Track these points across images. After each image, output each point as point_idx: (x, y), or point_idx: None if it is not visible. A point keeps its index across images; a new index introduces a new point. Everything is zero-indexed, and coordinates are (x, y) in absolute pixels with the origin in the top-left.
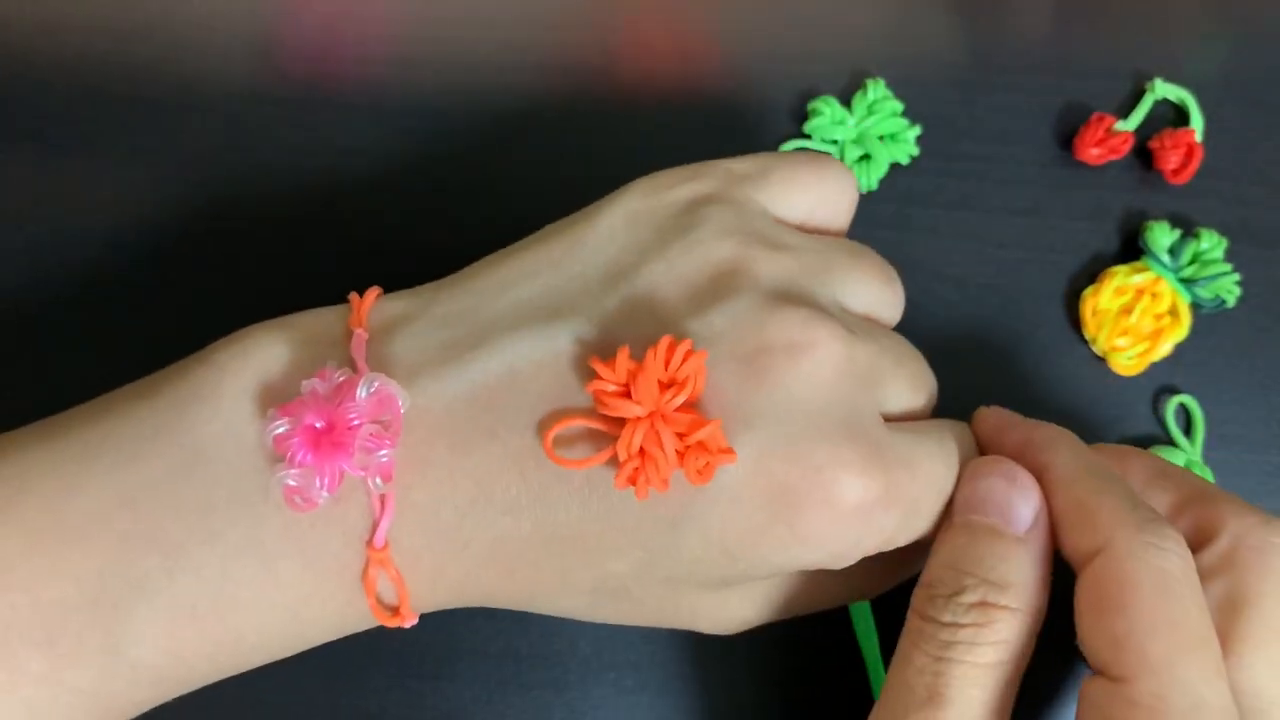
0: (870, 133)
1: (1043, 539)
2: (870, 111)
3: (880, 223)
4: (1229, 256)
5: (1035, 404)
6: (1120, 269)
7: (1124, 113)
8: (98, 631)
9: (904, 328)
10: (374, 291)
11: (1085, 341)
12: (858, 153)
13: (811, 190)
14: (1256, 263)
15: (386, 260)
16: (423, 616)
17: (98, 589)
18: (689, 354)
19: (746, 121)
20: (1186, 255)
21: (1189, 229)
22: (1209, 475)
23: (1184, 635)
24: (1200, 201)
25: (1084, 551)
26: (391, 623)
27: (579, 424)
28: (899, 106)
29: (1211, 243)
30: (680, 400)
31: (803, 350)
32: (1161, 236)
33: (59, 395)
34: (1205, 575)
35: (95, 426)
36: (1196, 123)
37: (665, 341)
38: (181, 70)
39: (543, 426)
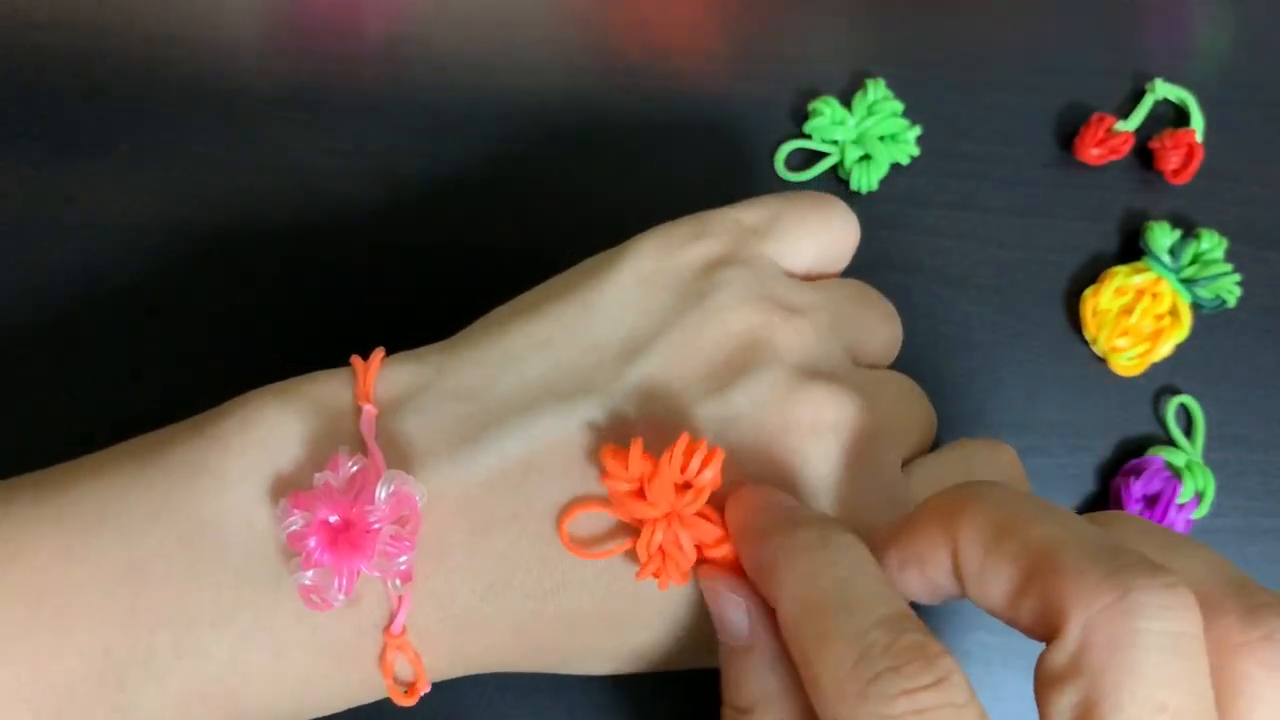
0: (870, 133)
1: (767, 638)
2: (870, 112)
3: (881, 223)
4: (1229, 257)
5: (1035, 404)
6: (1121, 269)
7: (1124, 113)
8: (104, 706)
9: (904, 329)
10: (378, 356)
11: (1086, 342)
12: (858, 153)
13: (818, 236)
14: (1257, 263)
15: (398, 266)
16: None
17: (104, 666)
18: (708, 457)
19: (747, 122)
20: (1187, 255)
21: (1189, 229)
22: (1209, 476)
23: None
24: (1201, 202)
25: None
26: (405, 701)
27: (597, 510)
28: (899, 107)
29: (1212, 243)
30: (696, 506)
31: (824, 430)
32: (1162, 237)
33: (78, 398)
34: (1055, 678)
35: (96, 491)
36: (1197, 123)
37: (683, 442)
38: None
39: (560, 515)
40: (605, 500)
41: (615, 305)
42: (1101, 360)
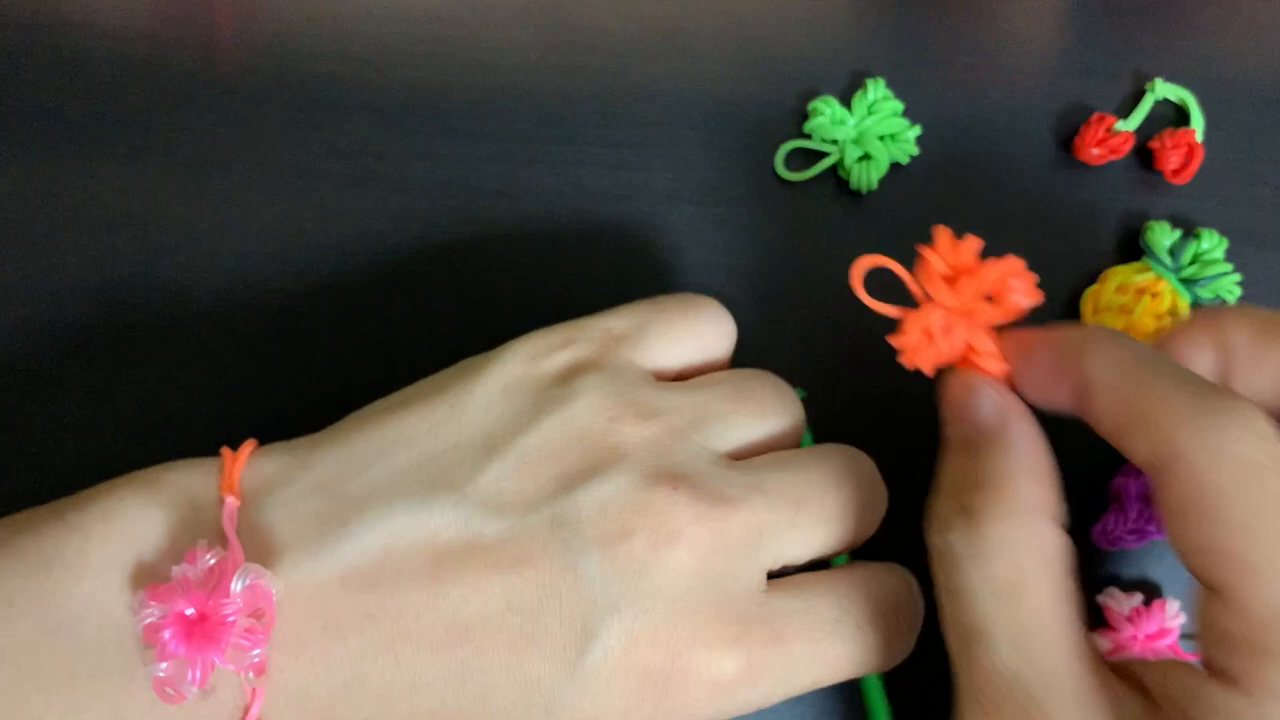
0: (870, 133)
1: (1016, 427)
2: (870, 111)
3: (880, 223)
4: (1229, 257)
5: None
6: (1121, 269)
7: (1124, 113)
8: None
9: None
10: (247, 448)
11: None
12: (858, 152)
13: (686, 340)
14: (1257, 263)
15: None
16: None
17: None
18: (1031, 290)
19: (747, 122)
20: (1187, 255)
21: (1189, 229)
22: None
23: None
24: (1201, 202)
25: (1154, 461)
26: None
27: (899, 271)
28: (899, 106)
29: (1212, 243)
30: (993, 317)
31: (668, 540)
32: (1162, 237)
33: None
34: None
35: None
36: (1197, 123)
37: (1015, 262)
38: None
39: (857, 267)
40: (910, 272)
41: (479, 408)
42: None
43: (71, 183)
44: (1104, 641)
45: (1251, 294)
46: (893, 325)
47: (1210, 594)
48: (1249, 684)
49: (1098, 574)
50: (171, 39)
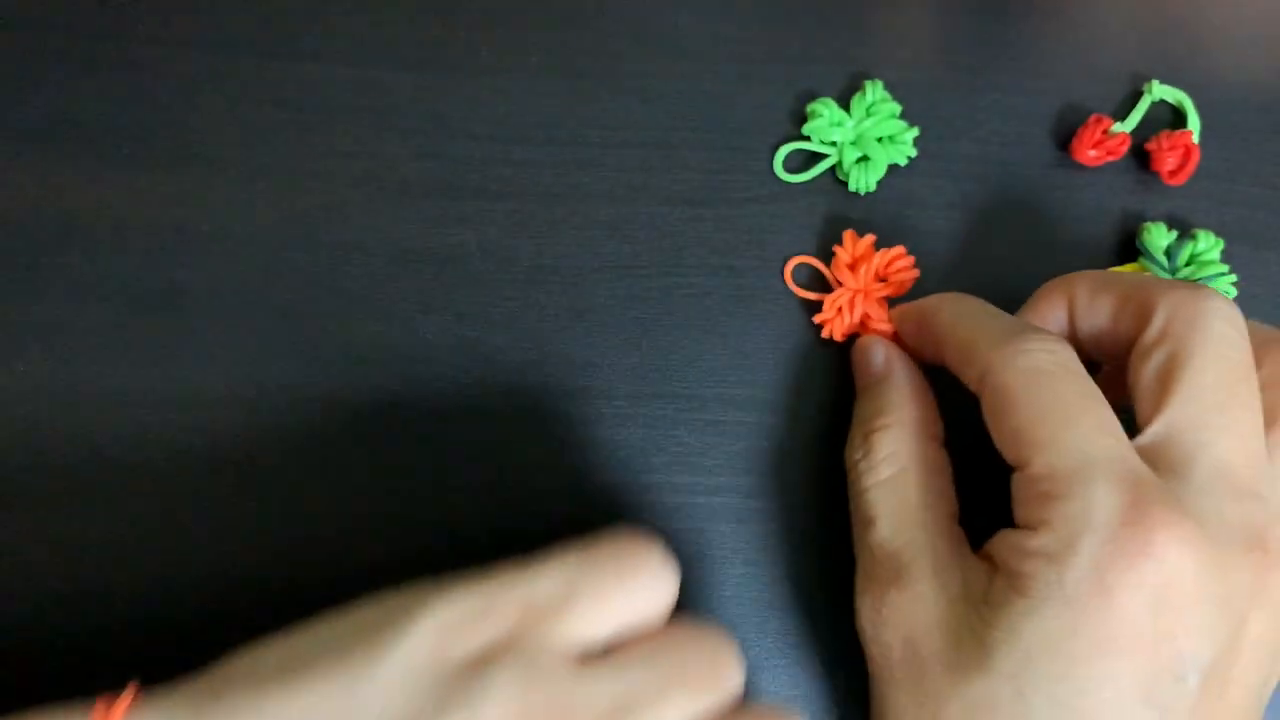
0: (869, 134)
1: (898, 368)
2: (869, 113)
3: (878, 224)
4: (1225, 258)
5: None
6: (1118, 270)
7: (1121, 114)
8: None
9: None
10: (126, 699)
11: None
12: (856, 154)
13: (619, 603)
14: (1253, 264)
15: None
16: None
17: None
18: (907, 267)
19: (746, 123)
20: (1183, 256)
21: (1186, 230)
22: None
23: (1060, 413)
24: (1197, 203)
25: (977, 381)
26: None
27: (816, 264)
28: (897, 108)
29: (1208, 244)
30: (883, 292)
31: None
32: (1158, 237)
33: None
34: (1147, 350)
35: None
36: (1193, 124)
37: (898, 250)
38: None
39: (788, 260)
40: (826, 265)
41: (379, 694)
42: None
43: (74, 185)
44: None
45: (1247, 294)
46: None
47: (1016, 472)
48: (1046, 523)
49: None
50: (173, 40)
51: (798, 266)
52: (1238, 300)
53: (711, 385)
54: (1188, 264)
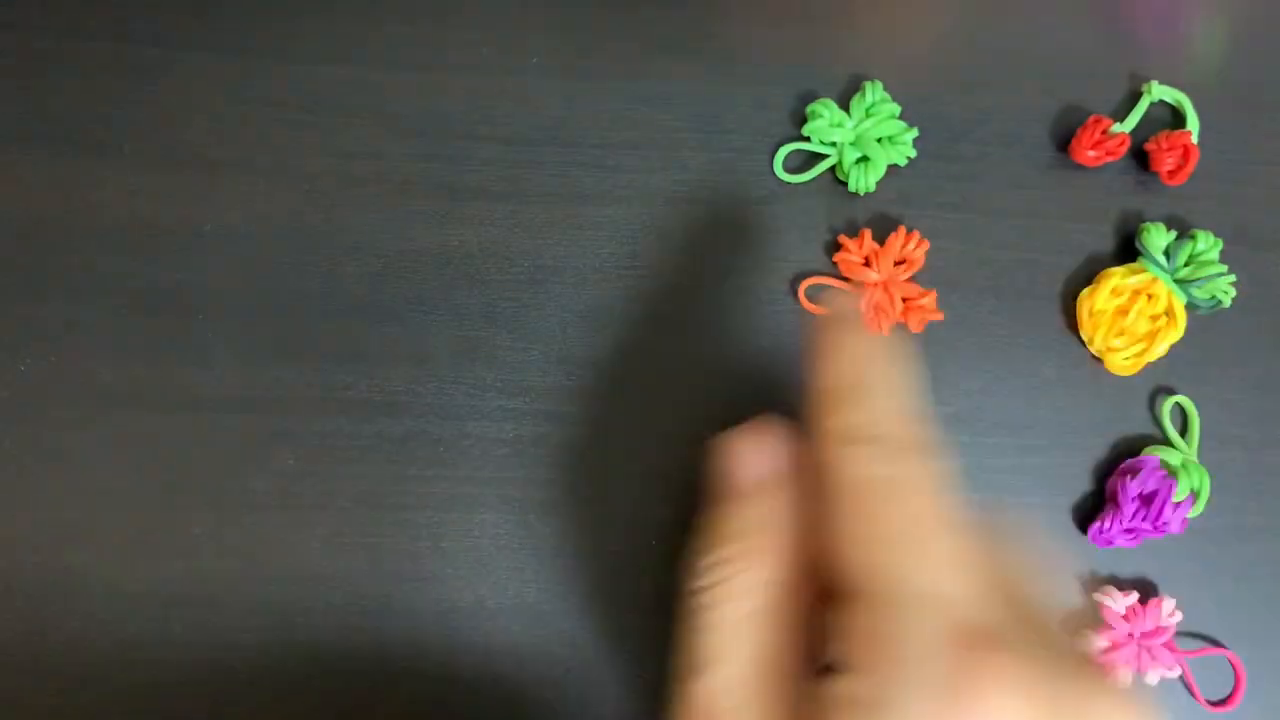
0: (868, 135)
1: (775, 490)
2: (868, 114)
3: (878, 224)
4: (1224, 258)
5: (1032, 404)
6: (1117, 270)
7: (1120, 115)
8: None
9: (902, 331)
10: None
11: (1082, 342)
12: (856, 155)
13: None
14: (1252, 264)
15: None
16: (425, 618)
17: None
18: (919, 242)
19: (746, 124)
20: (1182, 256)
21: (1185, 230)
22: (1205, 475)
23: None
24: (1196, 203)
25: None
26: None
27: (827, 281)
28: (897, 109)
29: (1207, 244)
30: (908, 275)
31: None
32: (1157, 238)
33: None
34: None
35: None
36: (1192, 124)
37: (900, 232)
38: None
39: (800, 282)
40: (835, 274)
41: None
42: (1098, 360)
43: (75, 185)
44: (1100, 639)
45: (1246, 295)
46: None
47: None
48: (867, 667)
49: (1094, 573)
50: (173, 40)
51: (797, 277)
52: (1237, 302)
53: (711, 385)
54: (1186, 264)
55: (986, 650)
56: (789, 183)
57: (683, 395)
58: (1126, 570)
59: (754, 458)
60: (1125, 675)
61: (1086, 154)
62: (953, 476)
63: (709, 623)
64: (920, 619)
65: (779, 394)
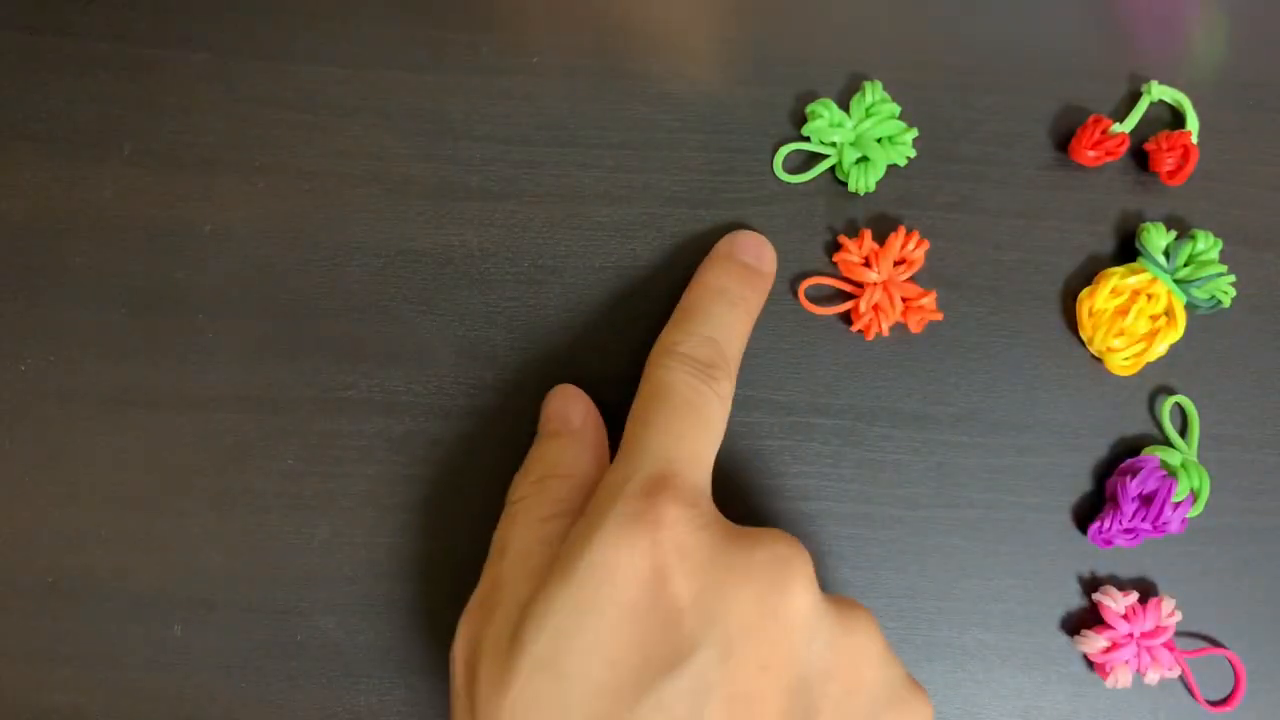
0: (868, 135)
1: (592, 427)
2: (868, 114)
3: (878, 225)
4: (1224, 258)
5: (1032, 404)
6: (1116, 270)
7: (1120, 115)
8: None
9: (902, 333)
10: None
11: (1082, 342)
12: (856, 155)
13: None
14: (1251, 264)
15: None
16: (425, 617)
17: None
18: (918, 242)
19: (745, 124)
20: (1182, 256)
21: (1184, 230)
22: (1204, 475)
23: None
24: (1196, 203)
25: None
26: None
27: (827, 281)
28: (896, 109)
29: (1207, 244)
30: (908, 275)
31: None
32: (1157, 238)
33: None
34: None
35: None
36: (1192, 125)
37: (900, 232)
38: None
39: (800, 283)
40: (835, 275)
41: None
42: (1097, 360)
43: (75, 185)
44: (1100, 639)
45: (1246, 295)
46: (832, 326)
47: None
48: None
49: (1094, 572)
50: (173, 40)
51: (797, 277)
52: (1237, 302)
53: None
54: (1186, 264)
55: (672, 489)
56: (789, 183)
57: None
58: (1126, 570)
59: (578, 406)
60: (1125, 675)
61: (1086, 154)
62: (727, 400)
63: (521, 524)
64: (626, 467)
65: (778, 393)
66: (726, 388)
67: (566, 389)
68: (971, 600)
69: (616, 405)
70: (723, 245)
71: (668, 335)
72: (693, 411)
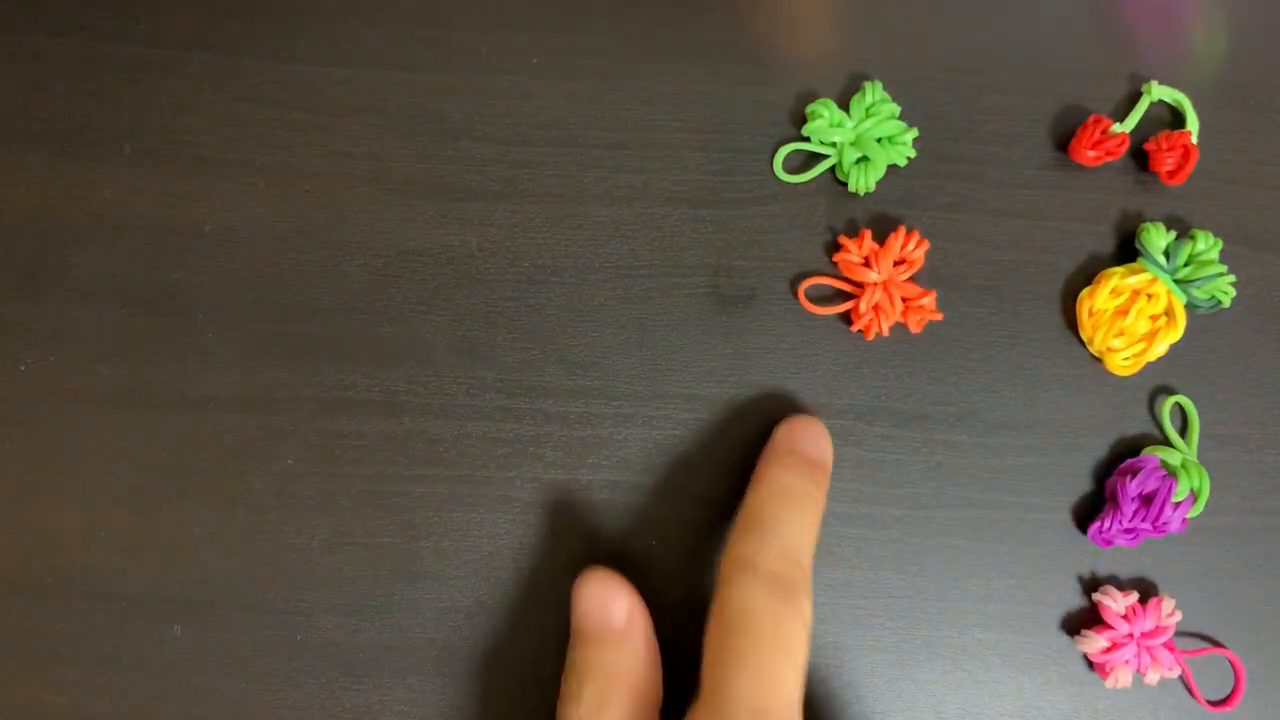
0: (868, 135)
1: (639, 625)
2: (868, 114)
3: (878, 225)
4: (1224, 258)
5: (1032, 404)
6: (1116, 270)
7: (1120, 115)
8: None
9: (902, 333)
10: None
11: (1082, 342)
12: (856, 155)
13: None
14: (1251, 264)
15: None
16: (425, 618)
17: None
18: (918, 242)
19: (745, 125)
20: (1182, 256)
21: (1184, 230)
22: (1204, 475)
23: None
24: (1196, 203)
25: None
26: None
27: (827, 281)
28: (896, 109)
29: (1207, 244)
30: (908, 275)
31: None
32: (1157, 238)
33: None
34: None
35: None
36: (1192, 125)
37: (900, 232)
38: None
39: (800, 284)
40: (836, 275)
41: None
42: (1097, 360)
43: (75, 185)
44: (1100, 639)
45: (1246, 294)
46: (832, 326)
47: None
48: None
49: (1094, 572)
50: (173, 40)
51: (797, 277)
52: (1236, 302)
53: (711, 386)
54: (1186, 264)
55: None
56: (789, 183)
57: (683, 395)
58: (1126, 570)
59: (620, 601)
60: (1125, 675)
61: (1086, 154)
62: (809, 620)
63: None
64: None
65: (778, 393)
66: (808, 608)
67: (603, 578)
68: (971, 600)
69: (618, 406)
70: (781, 438)
71: (740, 546)
72: (779, 644)
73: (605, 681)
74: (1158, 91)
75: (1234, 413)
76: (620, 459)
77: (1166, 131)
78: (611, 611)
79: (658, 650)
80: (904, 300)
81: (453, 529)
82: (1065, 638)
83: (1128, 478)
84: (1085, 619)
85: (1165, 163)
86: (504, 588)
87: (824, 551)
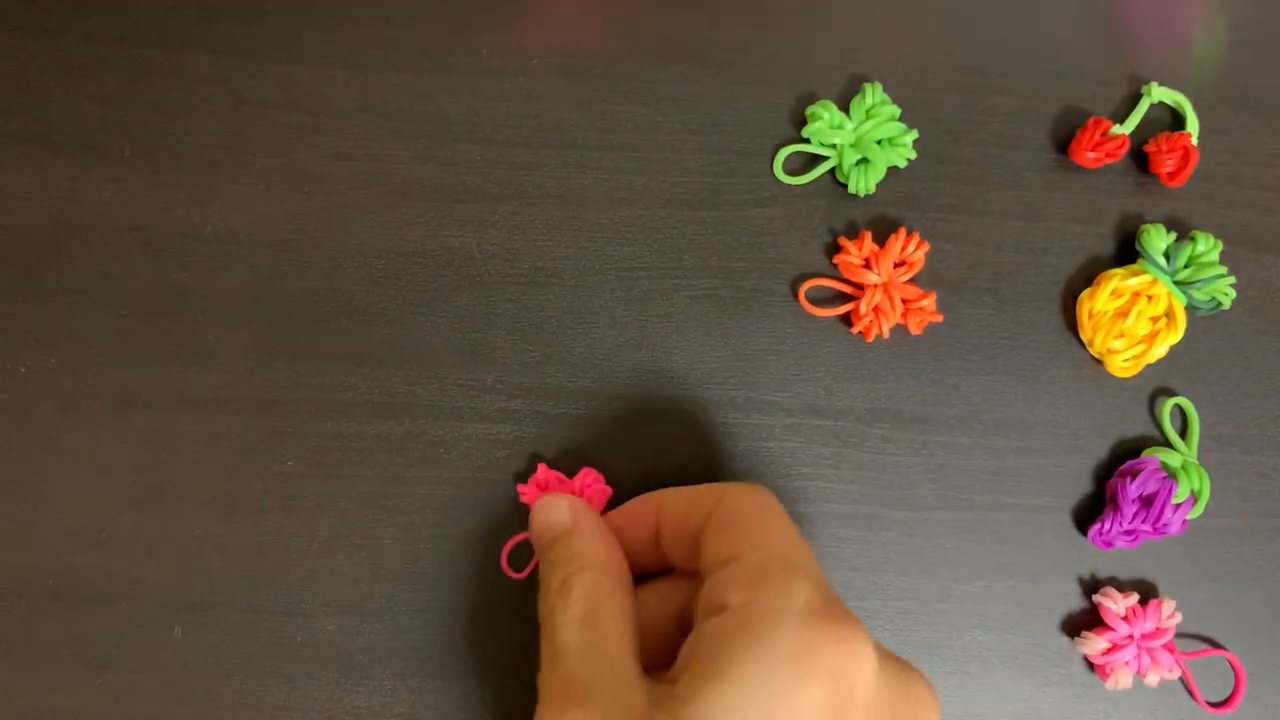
0: (868, 137)
1: (584, 519)
2: (868, 116)
3: (878, 226)
4: (1224, 260)
5: (1032, 406)
6: (1117, 272)
7: (1120, 117)
8: None
9: (902, 334)
10: None
11: (1082, 344)
12: (856, 156)
13: None
14: (1251, 266)
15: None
16: (425, 618)
17: None
18: (919, 244)
19: (745, 126)
20: (1182, 258)
21: (1185, 232)
22: (1204, 476)
23: (780, 528)
24: (1196, 205)
25: (705, 512)
26: None
27: (826, 284)
28: (896, 111)
29: (1207, 246)
30: (909, 276)
31: None
32: (1157, 239)
33: None
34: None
35: None
36: (1192, 126)
37: (901, 233)
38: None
39: (801, 285)
40: (836, 277)
41: None
42: (1098, 362)
43: (75, 185)
44: (1100, 641)
45: (1245, 296)
46: (832, 327)
47: (721, 569)
48: (751, 603)
49: (1094, 574)
50: (173, 41)
51: (797, 278)
52: (1237, 303)
53: (711, 387)
54: (1186, 266)
55: (845, 606)
56: (789, 185)
57: (683, 395)
58: (1126, 572)
59: (561, 507)
60: (1126, 677)
61: (1086, 155)
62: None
63: (561, 621)
64: (794, 572)
65: (779, 395)
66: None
67: (542, 500)
68: (972, 601)
69: (619, 407)
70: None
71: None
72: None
73: (565, 567)
74: (1158, 93)
75: (1234, 414)
76: (620, 460)
77: (1166, 133)
78: (553, 517)
79: (612, 535)
80: (904, 302)
81: (452, 529)
82: (1065, 639)
83: (1128, 479)
84: (1085, 620)
85: (1165, 164)
86: (505, 589)
87: (825, 553)
